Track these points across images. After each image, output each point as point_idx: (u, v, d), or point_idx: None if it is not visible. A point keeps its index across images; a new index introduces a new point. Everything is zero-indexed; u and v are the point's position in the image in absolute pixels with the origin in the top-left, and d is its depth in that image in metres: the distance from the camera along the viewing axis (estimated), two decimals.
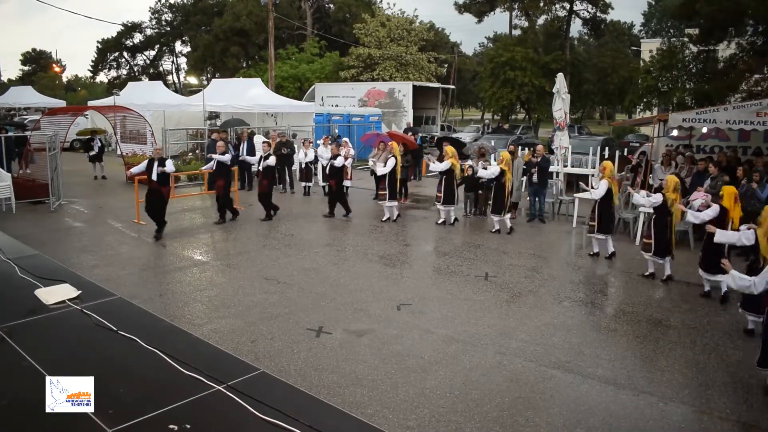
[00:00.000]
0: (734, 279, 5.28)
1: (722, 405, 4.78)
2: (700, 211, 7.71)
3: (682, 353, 5.79)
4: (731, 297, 7.16)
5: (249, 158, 12.92)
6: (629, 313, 6.91)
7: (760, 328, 5.73)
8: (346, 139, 15.43)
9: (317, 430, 2.11)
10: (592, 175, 13.54)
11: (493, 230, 10.92)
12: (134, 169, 10.20)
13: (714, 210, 7.46)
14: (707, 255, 7.19)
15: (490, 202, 11.36)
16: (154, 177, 9.74)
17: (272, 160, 11.68)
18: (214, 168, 11.20)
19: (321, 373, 5.16)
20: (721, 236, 6.14)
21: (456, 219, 11.63)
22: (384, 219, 11.76)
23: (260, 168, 11.69)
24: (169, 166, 9.95)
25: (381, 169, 11.69)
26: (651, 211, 8.34)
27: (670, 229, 8.01)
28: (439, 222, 11.53)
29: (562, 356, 5.62)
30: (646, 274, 8.34)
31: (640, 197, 8.58)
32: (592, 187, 9.45)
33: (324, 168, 14.56)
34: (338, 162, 12.06)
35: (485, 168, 11.30)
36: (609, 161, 10.20)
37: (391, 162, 11.61)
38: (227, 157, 11.26)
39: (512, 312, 6.83)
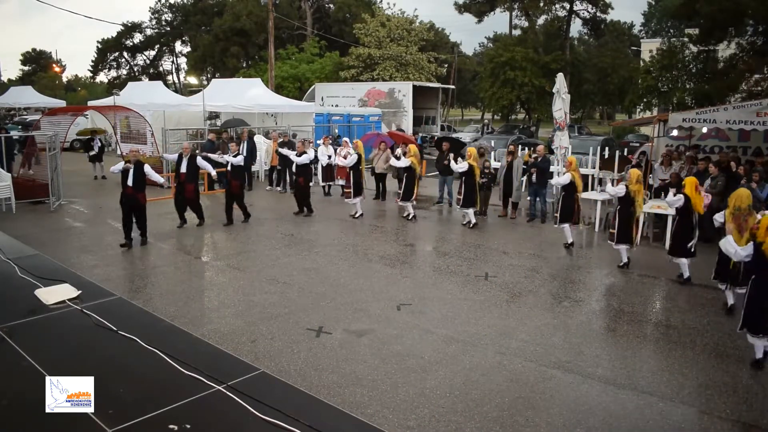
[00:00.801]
0: (727, 243, 5.90)
1: (722, 405, 4.78)
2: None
3: (682, 353, 5.79)
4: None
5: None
6: (629, 313, 6.91)
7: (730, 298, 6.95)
8: (346, 139, 15.42)
9: (317, 430, 2.11)
10: (593, 176, 13.56)
11: (464, 222, 11.42)
12: (113, 168, 9.57)
13: (680, 198, 7.88)
14: (722, 262, 6.97)
15: (460, 197, 11.52)
16: (130, 182, 9.07)
17: (305, 158, 11.99)
18: (229, 168, 11.10)
19: (321, 373, 5.16)
20: (728, 243, 5.92)
21: (475, 223, 11.22)
22: (407, 216, 11.89)
23: (228, 168, 11.18)
24: (151, 173, 9.45)
25: (398, 162, 11.99)
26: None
27: (633, 218, 8.53)
28: (464, 223, 11.44)
29: (562, 356, 5.62)
30: (621, 264, 8.72)
31: (610, 188, 9.37)
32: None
33: (324, 168, 14.61)
34: (303, 159, 11.94)
35: (455, 162, 11.64)
36: (573, 157, 10.75)
37: (404, 160, 11.76)
38: (239, 159, 11.22)
39: (512, 312, 6.83)
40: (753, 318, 5.46)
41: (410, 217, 11.84)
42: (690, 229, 7.96)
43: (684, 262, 8.03)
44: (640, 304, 7.23)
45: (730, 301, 6.99)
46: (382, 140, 14.45)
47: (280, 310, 6.70)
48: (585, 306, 7.18)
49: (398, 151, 12.79)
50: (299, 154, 12.08)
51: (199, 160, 10.63)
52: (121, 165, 9.25)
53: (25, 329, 3.04)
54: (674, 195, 8.05)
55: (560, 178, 9.99)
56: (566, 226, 9.80)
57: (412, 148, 12.13)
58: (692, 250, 7.99)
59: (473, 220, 11.26)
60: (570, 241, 9.86)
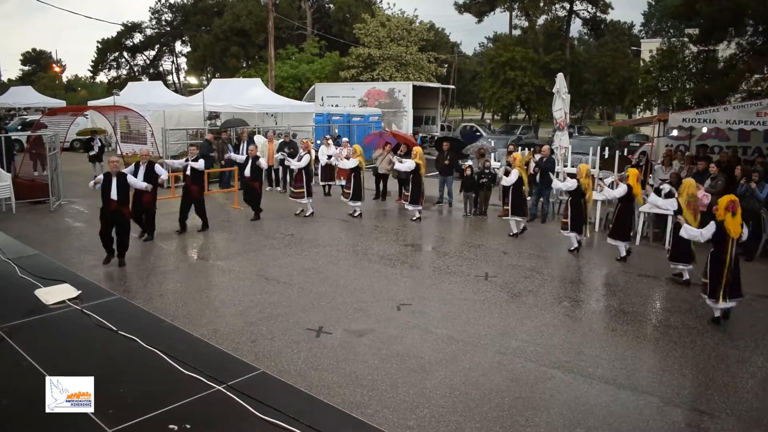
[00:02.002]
0: (686, 230, 6.81)
1: (722, 405, 4.78)
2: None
3: (682, 353, 5.79)
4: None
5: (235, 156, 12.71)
6: (629, 313, 6.91)
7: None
8: (346, 139, 15.43)
9: (317, 430, 2.12)
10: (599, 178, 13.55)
11: (414, 219, 11.70)
12: (93, 184, 8.40)
13: (623, 189, 8.88)
14: (676, 246, 7.88)
15: (408, 193, 11.72)
16: (114, 195, 8.10)
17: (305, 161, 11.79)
18: (188, 173, 10.31)
19: (321, 373, 5.16)
20: (685, 232, 6.86)
21: (577, 249, 9.62)
22: (415, 218, 11.81)
23: (188, 172, 10.22)
24: (137, 182, 8.74)
25: (402, 165, 11.90)
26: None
27: (584, 209, 9.30)
28: (512, 234, 10.50)
29: (562, 356, 5.62)
30: (571, 249, 9.50)
31: (557, 182, 10.13)
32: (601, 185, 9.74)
33: (323, 168, 14.63)
34: (261, 163, 11.60)
35: (401, 161, 11.81)
36: (519, 153, 11.36)
37: (408, 162, 11.64)
38: (200, 163, 10.60)
39: (512, 312, 6.83)
40: (711, 285, 6.42)
41: (415, 218, 11.82)
42: (630, 216, 9.11)
43: (621, 244, 9.03)
44: (640, 304, 7.23)
45: (686, 276, 7.95)
46: (386, 141, 14.46)
47: (280, 310, 6.70)
48: (585, 306, 7.18)
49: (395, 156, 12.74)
50: (255, 158, 11.62)
51: (157, 167, 9.55)
52: (100, 178, 8.24)
53: (25, 329, 3.04)
54: (616, 186, 9.17)
55: (564, 183, 9.72)
56: (522, 219, 10.48)
57: (418, 150, 12.01)
58: (631, 234, 9.28)
59: (519, 228, 10.60)
60: (516, 231, 10.29)
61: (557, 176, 12.15)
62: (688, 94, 23.36)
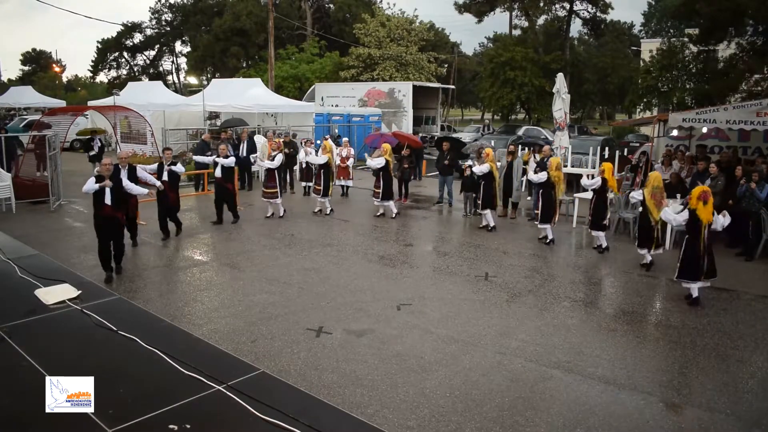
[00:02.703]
0: (665, 213, 7.66)
1: (722, 405, 4.78)
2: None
3: (682, 353, 5.79)
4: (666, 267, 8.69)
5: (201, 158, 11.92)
6: (629, 313, 6.91)
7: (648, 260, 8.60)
8: (346, 139, 15.44)
9: (317, 430, 2.12)
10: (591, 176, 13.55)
11: (380, 214, 11.94)
12: (86, 188, 7.64)
13: (598, 181, 9.48)
14: (641, 234, 8.69)
15: (379, 191, 11.87)
16: (108, 200, 7.53)
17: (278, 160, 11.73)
18: (166, 178, 9.74)
19: (321, 373, 5.16)
20: (664, 214, 7.71)
21: (552, 240, 10.09)
22: (380, 214, 11.99)
23: (165, 178, 9.63)
24: (136, 183, 8.21)
25: (371, 162, 12.12)
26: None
27: (554, 200, 10.00)
28: (543, 239, 10.23)
29: (562, 356, 5.62)
30: (541, 237, 10.17)
31: (532, 174, 10.52)
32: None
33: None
34: (229, 161, 11.07)
35: (371, 159, 12.19)
36: (490, 149, 11.74)
37: (379, 160, 11.75)
38: (179, 168, 10.35)
39: (512, 312, 6.83)
40: (689, 268, 7.03)
41: (394, 215, 11.95)
42: (605, 207, 9.58)
43: (601, 234, 9.59)
44: (640, 304, 7.23)
45: (648, 259, 8.67)
46: (386, 140, 14.47)
47: (280, 310, 6.70)
48: (585, 306, 7.18)
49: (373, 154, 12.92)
50: (272, 157, 11.66)
51: (139, 172, 8.77)
52: (93, 183, 7.57)
53: (25, 329, 3.04)
54: (591, 178, 9.82)
55: (536, 175, 10.27)
56: (489, 212, 10.99)
57: (387, 147, 12.21)
58: (606, 225, 9.81)
59: (550, 235, 10.26)
60: (550, 237, 10.18)
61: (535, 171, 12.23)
62: (688, 94, 23.34)
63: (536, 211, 10.24)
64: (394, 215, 11.98)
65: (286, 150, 14.68)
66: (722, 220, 7.22)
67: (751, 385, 5.15)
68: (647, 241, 8.57)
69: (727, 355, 5.77)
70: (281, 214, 11.84)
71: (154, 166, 9.84)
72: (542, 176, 10.00)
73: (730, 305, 7.20)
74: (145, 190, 8.61)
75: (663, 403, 4.78)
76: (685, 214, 7.10)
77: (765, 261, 9.09)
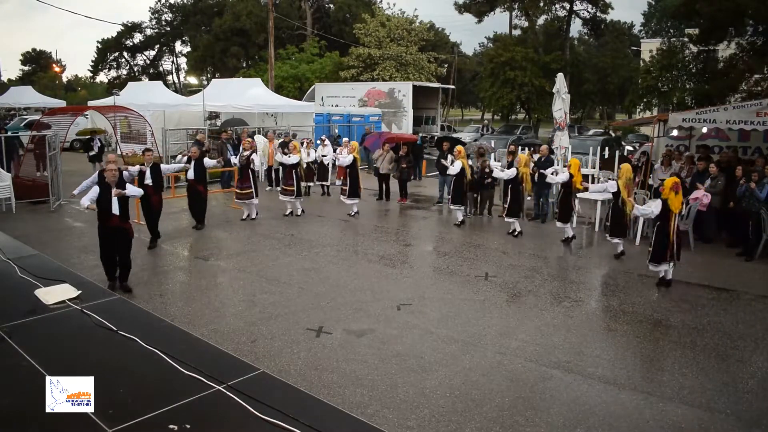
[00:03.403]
0: (638, 209, 8.32)
1: (722, 405, 4.78)
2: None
3: (682, 353, 5.79)
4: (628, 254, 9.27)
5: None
6: (629, 313, 6.91)
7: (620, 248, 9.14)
8: (346, 139, 15.44)
9: (317, 430, 2.12)
10: (593, 176, 13.56)
11: (352, 213, 12.02)
12: (85, 201, 7.00)
13: (565, 176, 10.03)
14: (613, 221, 9.15)
15: (346, 187, 12.01)
16: (115, 209, 6.97)
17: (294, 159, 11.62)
18: (149, 182, 9.16)
19: (321, 373, 5.16)
20: (638, 210, 8.37)
21: (520, 232, 10.58)
22: (352, 213, 12.07)
23: (148, 181, 9.03)
24: (132, 189, 7.47)
25: (341, 160, 12.13)
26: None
27: (522, 196, 10.61)
28: (512, 233, 10.60)
29: (562, 356, 5.62)
30: (510, 231, 10.61)
31: (498, 171, 11.16)
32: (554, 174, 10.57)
33: (320, 167, 14.70)
34: (209, 163, 10.67)
35: (340, 158, 12.33)
36: (461, 146, 12.03)
37: (457, 165, 11.27)
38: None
39: (512, 312, 6.83)
40: (659, 253, 7.67)
41: (354, 213, 12.04)
42: (571, 201, 10.11)
43: (567, 227, 10.14)
44: (640, 304, 7.23)
45: (620, 248, 9.19)
46: (386, 141, 14.50)
47: (280, 310, 6.70)
48: (585, 306, 7.18)
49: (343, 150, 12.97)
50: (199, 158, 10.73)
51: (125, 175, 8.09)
52: (96, 193, 6.95)
53: (25, 329, 3.04)
54: (558, 174, 10.42)
55: (505, 172, 10.80)
56: (460, 208, 11.34)
57: (355, 144, 12.34)
58: (573, 217, 10.43)
59: (570, 234, 10.35)
60: (517, 230, 10.59)
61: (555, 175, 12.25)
62: (688, 94, 23.34)
63: (504, 205, 10.74)
64: (353, 213, 12.08)
65: (286, 149, 14.68)
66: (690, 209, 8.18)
67: (751, 385, 5.15)
68: (620, 231, 9.05)
69: (727, 355, 5.77)
70: (254, 216, 11.53)
71: (136, 168, 9.05)
72: (512, 172, 10.47)
73: (730, 305, 7.20)
74: (140, 191, 8.05)
75: (663, 403, 4.77)
76: (659, 204, 7.75)
77: (765, 261, 9.09)
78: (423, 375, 5.17)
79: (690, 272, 8.51)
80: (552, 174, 10.64)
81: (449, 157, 11.94)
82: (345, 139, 15.42)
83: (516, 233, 10.54)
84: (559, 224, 10.26)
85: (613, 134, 24.69)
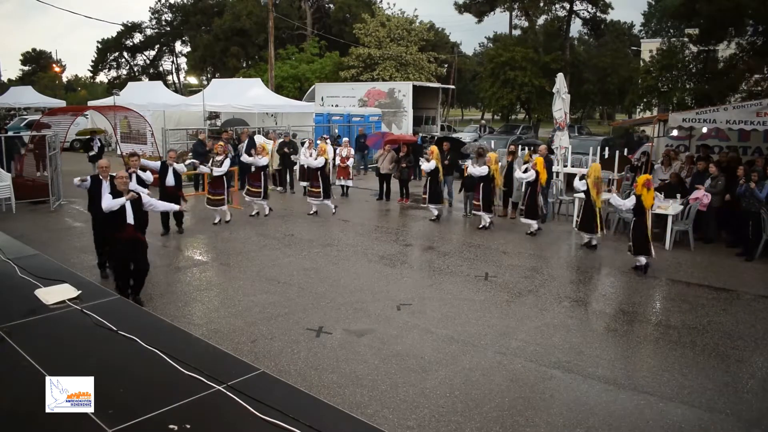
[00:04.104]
0: (614, 200, 8.96)
1: (722, 405, 4.77)
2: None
3: (682, 353, 5.79)
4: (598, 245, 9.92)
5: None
6: (629, 313, 6.91)
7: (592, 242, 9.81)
8: (346, 139, 15.45)
9: (317, 430, 2.12)
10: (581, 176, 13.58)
11: (311, 213, 12.10)
12: (110, 203, 6.37)
13: (532, 174, 10.43)
14: (584, 219, 9.77)
15: (318, 190, 11.97)
16: (130, 218, 6.42)
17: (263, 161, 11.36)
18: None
19: (321, 373, 5.16)
20: (614, 200, 8.98)
21: (491, 224, 11.13)
22: (311, 213, 12.16)
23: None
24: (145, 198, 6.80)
25: (311, 162, 12.00)
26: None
27: (493, 192, 11.08)
28: (483, 228, 11.05)
29: (562, 356, 5.62)
30: (481, 226, 11.08)
31: (472, 168, 11.32)
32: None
33: (305, 168, 14.70)
34: (180, 168, 10.10)
35: (312, 157, 12.16)
36: (435, 146, 12.28)
37: (432, 163, 11.64)
38: (225, 167, 10.50)
39: (512, 312, 6.83)
40: (638, 245, 8.31)
41: (312, 213, 12.11)
42: (537, 196, 10.53)
43: (533, 222, 10.59)
44: (640, 304, 7.23)
45: (585, 240, 9.84)
46: (388, 141, 14.50)
47: (280, 310, 6.70)
48: (585, 306, 7.18)
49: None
50: (220, 163, 10.86)
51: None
52: (112, 199, 6.34)
53: (25, 329, 3.04)
54: (525, 171, 10.70)
55: (477, 169, 11.10)
56: (436, 206, 11.76)
57: (323, 146, 12.30)
58: (540, 213, 10.84)
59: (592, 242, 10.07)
60: (486, 223, 11.07)
61: (556, 176, 12.36)
62: (688, 94, 23.34)
63: (475, 203, 11.21)
64: (333, 211, 12.13)
65: (286, 149, 14.70)
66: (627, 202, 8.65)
67: (751, 385, 5.15)
68: (589, 226, 9.64)
69: (727, 355, 5.76)
70: (227, 219, 11.13)
71: (149, 171, 8.61)
72: (483, 170, 10.90)
73: (730, 305, 7.20)
74: (174, 206, 7.77)
75: (663, 403, 4.77)
76: (633, 199, 8.37)
77: (765, 261, 9.09)
78: (423, 375, 5.17)
79: (690, 272, 8.51)
80: (523, 172, 10.91)
81: (424, 156, 12.22)
82: (345, 139, 15.42)
83: (484, 226, 11.05)
84: (524, 220, 10.78)
85: (637, 133, 24.36)
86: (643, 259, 8.38)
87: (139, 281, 6.69)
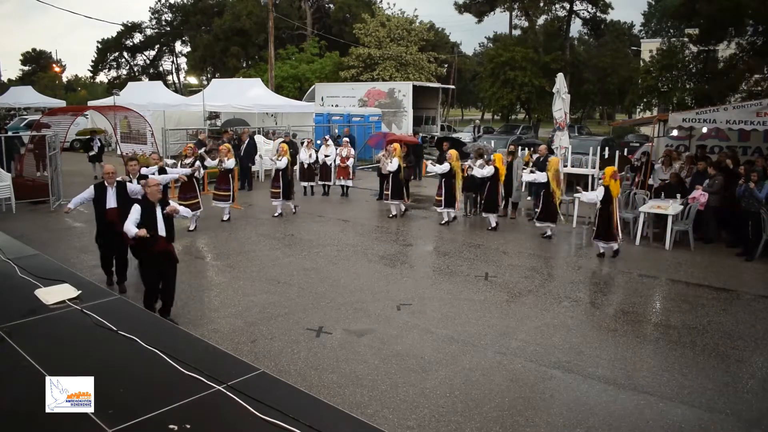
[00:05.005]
0: (585, 195, 9.58)
1: (722, 405, 4.77)
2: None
3: (682, 353, 5.79)
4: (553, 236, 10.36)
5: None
6: (629, 313, 6.91)
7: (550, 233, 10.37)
8: (346, 139, 15.44)
9: (317, 430, 2.12)
10: (593, 176, 13.57)
11: (275, 215, 11.87)
12: (129, 228, 5.76)
13: (490, 169, 10.96)
14: (543, 210, 10.29)
15: (279, 191, 11.79)
16: (161, 230, 5.95)
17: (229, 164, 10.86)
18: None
19: (321, 373, 5.16)
20: (584, 197, 9.59)
21: (451, 219, 11.61)
22: (276, 214, 11.97)
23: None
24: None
25: (276, 163, 11.84)
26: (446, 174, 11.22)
27: (455, 188, 11.22)
28: (445, 223, 11.48)
29: (562, 356, 5.62)
30: (443, 222, 11.44)
31: (431, 166, 11.66)
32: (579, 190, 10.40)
33: (322, 167, 14.70)
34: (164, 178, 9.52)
35: (278, 159, 11.98)
36: (398, 144, 12.47)
37: (394, 162, 11.68)
38: (231, 164, 10.59)
39: (512, 312, 6.83)
40: (602, 231, 9.02)
41: (391, 216, 12.03)
42: (497, 192, 11.06)
43: (492, 216, 11.04)
44: (640, 304, 7.23)
45: (550, 233, 10.38)
46: (390, 141, 14.49)
47: (280, 310, 6.70)
48: (585, 306, 7.18)
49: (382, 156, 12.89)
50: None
51: (131, 187, 7.23)
52: (137, 215, 5.76)
53: (25, 329, 3.04)
54: (483, 167, 11.09)
55: (439, 167, 11.34)
56: (399, 203, 12.08)
57: (284, 146, 12.13)
58: (499, 207, 11.27)
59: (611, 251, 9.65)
60: (446, 219, 11.44)
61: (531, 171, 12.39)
62: (688, 94, 23.34)
63: (437, 198, 11.50)
64: (294, 211, 12.14)
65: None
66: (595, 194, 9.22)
67: (751, 385, 5.15)
68: (548, 217, 10.20)
69: (727, 355, 5.76)
70: (192, 228, 10.55)
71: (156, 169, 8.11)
72: (445, 167, 11.12)
73: (730, 305, 7.20)
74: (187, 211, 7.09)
75: (663, 403, 4.77)
76: (602, 191, 9.00)
77: (765, 261, 9.09)
78: (423, 375, 5.17)
79: (690, 272, 8.51)
80: (479, 167, 11.21)
81: (387, 154, 12.31)
82: (345, 139, 15.42)
83: (444, 222, 11.43)
84: (484, 214, 11.26)
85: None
86: (615, 245, 9.12)
87: (168, 299, 6.15)
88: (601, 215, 9.01)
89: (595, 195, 9.18)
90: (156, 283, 6.04)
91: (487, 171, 10.98)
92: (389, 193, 11.93)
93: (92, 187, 7.15)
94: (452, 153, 11.58)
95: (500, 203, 11.40)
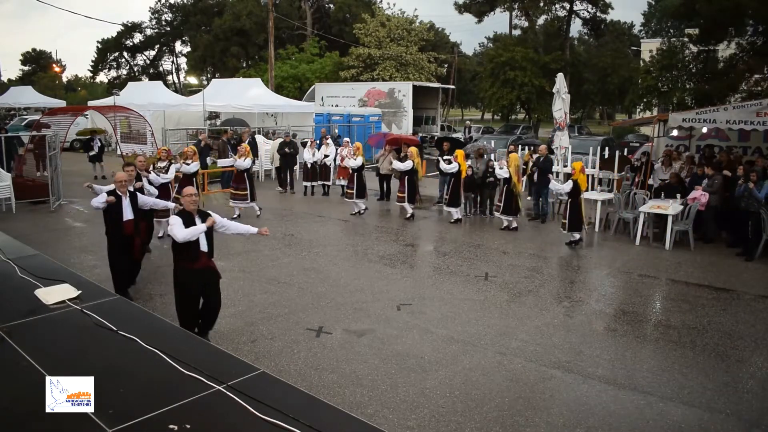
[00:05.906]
0: (554, 185, 10.57)
1: (722, 405, 4.78)
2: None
3: (682, 353, 5.79)
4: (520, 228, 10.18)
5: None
6: (629, 313, 6.91)
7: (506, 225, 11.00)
8: (347, 139, 15.44)
9: (317, 430, 2.12)
10: (593, 175, 13.57)
11: (235, 216, 11.26)
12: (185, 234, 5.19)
13: (455, 166, 11.28)
14: (506, 204, 10.89)
15: (246, 193, 11.54)
16: (204, 246, 5.40)
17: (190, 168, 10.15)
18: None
19: (321, 373, 5.16)
20: (553, 186, 10.60)
21: (412, 215, 11.87)
22: (408, 216, 12.06)
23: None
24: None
25: (401, 165, 12.03)
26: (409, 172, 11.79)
27: (416, 184, 11.97)
28: (410, 218, 11.77)
29: (562, 356, 5.62)
30: (407, 217, 11.87)
31: (397, 163, 11.97)
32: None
33: (321, 167, 14.70)
34: (245, 163, 10.58)
35: (238, 159, 11.64)
36: (414, 148, 12.66)
37: (408, 163, 11.68)
38: (170, 174, 9.56)
39: (512, 312, 6.83)
40: (573, 223, 9.64)
41: (408, 216, 11.92)
42: (459, 188, 11.42)
43: (454, 210, 11.54)
44: (640, 304, 7.23)
45: (505, 224, 11.01)
46: (390, 141, 14.50)
47: (280, 310, 6.70)
48: (585, 306, 7.18)
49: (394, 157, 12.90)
50: (166, 169, 9.95)
51: (141, 198, 7.04)
52: (196, 230, 5.23)
53: (25, 329, 3.04)
54: (449, 163, 11.45)
55: (402, 164, 11.73)
56: (361, 201, 12.29)
57: (245, 146, 11.89)
58: (461, 202, 11.76)
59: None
60: (410, 213, 11.86)
61: (556, 176, 12.40)
62: (688, 94, 23.32)
63: (399, 195, 11.92)
64: (236, 215, 11.57)
65: (286, 149, 14.70)
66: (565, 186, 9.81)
67: (751, 385, 5.15)
68: (510, 210, 10.83)
69: (727, 355, 5.76)
70: (258, 214, 11.24)
71: (103, 194, 6.71)
72: (407, 164, 11.63)
73: (730, 305, 7.20)
74: (252, 229, 5.97)
75: (663, 403, 4.77)
76: (570, 184, 9.61)
77: (765, 261, 9.09)
78: (423, 375, 5.17)
79: (690, 272, 8.51)
80: (446, 163, 11.58)
81: (471, 161, 12.32)
82: (346, 139, 15.42)
83: (408, 216, 11.84)
84: (446, 208, 11.72)
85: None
86: (576, 235, 9.74)
87: (209, 320, 5.63)
88: (571, 208, 9.59)
89: (563, 187, 9.82)
90: (194, 305, 5.45)
91: (503, 172, 11.01)
92: (404, 195, 11.79)
93: (105, 193, 6.66)
94: (459, 153, 11.61)
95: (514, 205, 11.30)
